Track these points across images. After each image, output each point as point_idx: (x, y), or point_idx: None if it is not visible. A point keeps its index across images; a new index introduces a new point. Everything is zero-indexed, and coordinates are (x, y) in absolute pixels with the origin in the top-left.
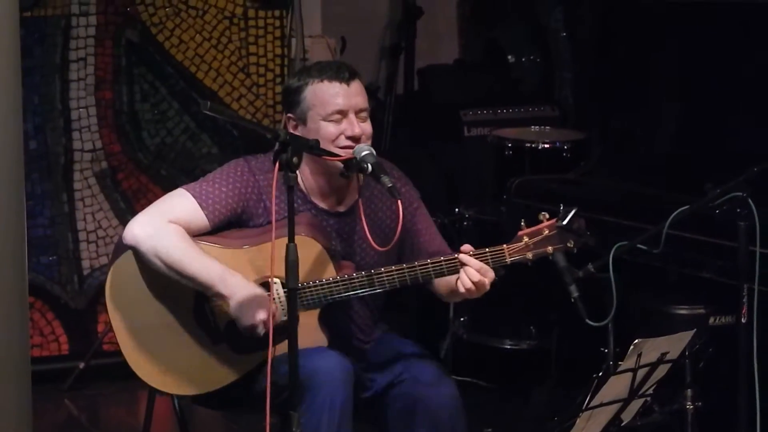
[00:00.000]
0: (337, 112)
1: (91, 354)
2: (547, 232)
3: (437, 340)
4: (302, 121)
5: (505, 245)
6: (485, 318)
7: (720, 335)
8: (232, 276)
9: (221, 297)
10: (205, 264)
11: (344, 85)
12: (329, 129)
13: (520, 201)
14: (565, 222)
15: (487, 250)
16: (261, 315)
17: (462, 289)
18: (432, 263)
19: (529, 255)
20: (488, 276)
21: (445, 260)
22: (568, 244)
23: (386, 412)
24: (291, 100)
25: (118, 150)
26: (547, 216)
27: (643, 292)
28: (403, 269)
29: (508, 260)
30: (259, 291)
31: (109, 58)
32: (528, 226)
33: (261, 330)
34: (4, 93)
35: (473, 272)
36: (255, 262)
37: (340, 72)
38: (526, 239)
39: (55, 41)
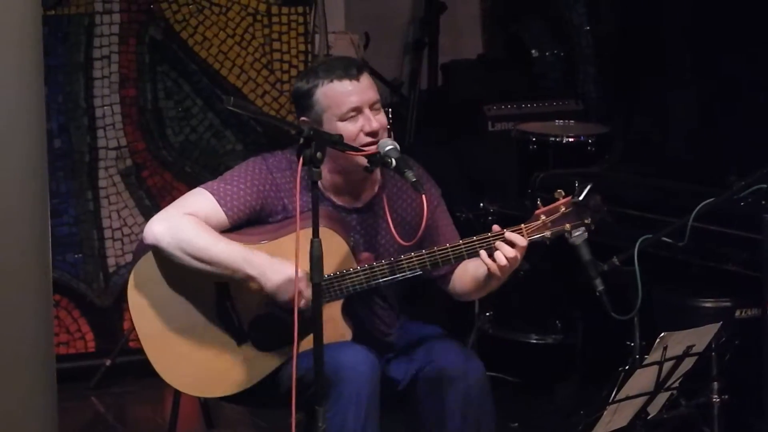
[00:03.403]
0: (352, 110)
1: (117, 351)
2: (563, 209)
3: (463, 335)
4: (318, 123)
5: (522, 225)
6: (510, 313)
7: (746, 328)
8: (256, 256)
9: (250, 279)
10: (228, 248)
11: (354, 82)
12: (347, 128)
13: (545, 195)
14: (581, 198)
15: (504, 230)
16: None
17: (494, 267)
18: (451, 247)
19: (547, 233)
20: (520, 246)
21: (464, 243)
22: (586, 221)
23: (416, 398)
24: (303, 104)
25: (142, 147)
26: (563, 193)
27: (669, 286)
28: (422, 255)
29: (527, 239)
30: (287, 266)
31: (133, 55)
32: (544, 205)
33: (302, 302)
34: (28, 92)
35: (508, 249)
36: (273, 257)
37: (348, 69)
38: (543, 218)
39: (78, 39)
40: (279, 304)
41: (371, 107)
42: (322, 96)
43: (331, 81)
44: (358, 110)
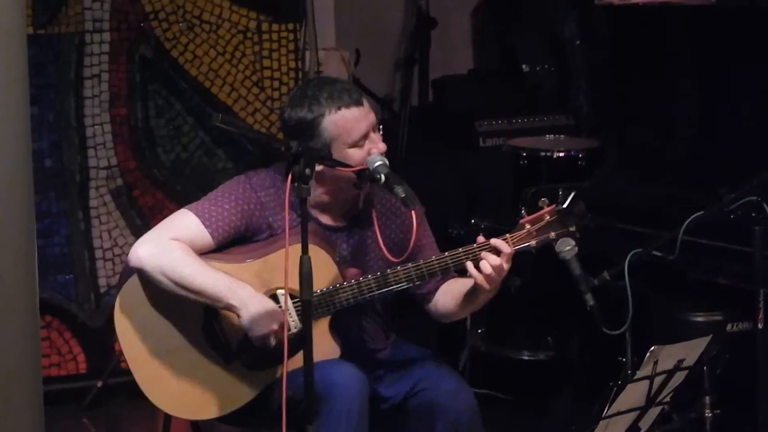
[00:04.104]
0: (363, 137)
1: (109, 372)
2: (548, 217)
3: (455, 352)
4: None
5: (507, 234)
6: (503, 329)
7: (738, 342)
8: (241, 288)
9: (231, 309)
10: (213, 277)
11: (361, 108)
12: (357, 155)
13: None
14: (565, 205)
15: (490, 240)
16: (273, 325)
17: (480, 278)
18: (437, 259)
19: (533, 242)
20: (506, 254)
21: (449, 255)
22: (570, 228)
23: (406, 422)
24: (306, 133)
25: (133, 166)
26: (547, 202)
27: (660, 299)
28: (408, 268)
29: (512, 248)
30: (269, 301)
31: (124, 74)
32: (529, 213)
33: (272, 341)
34: (14, 111)
35: (493, 257)
36: (261, 275)
37: (351, 95)
38: (528, 226)
39: (69, 58)
40: (252, 339)
41: (374, 129)
42: (331, 125)
43: (339, 109)
44: (366, 136)
